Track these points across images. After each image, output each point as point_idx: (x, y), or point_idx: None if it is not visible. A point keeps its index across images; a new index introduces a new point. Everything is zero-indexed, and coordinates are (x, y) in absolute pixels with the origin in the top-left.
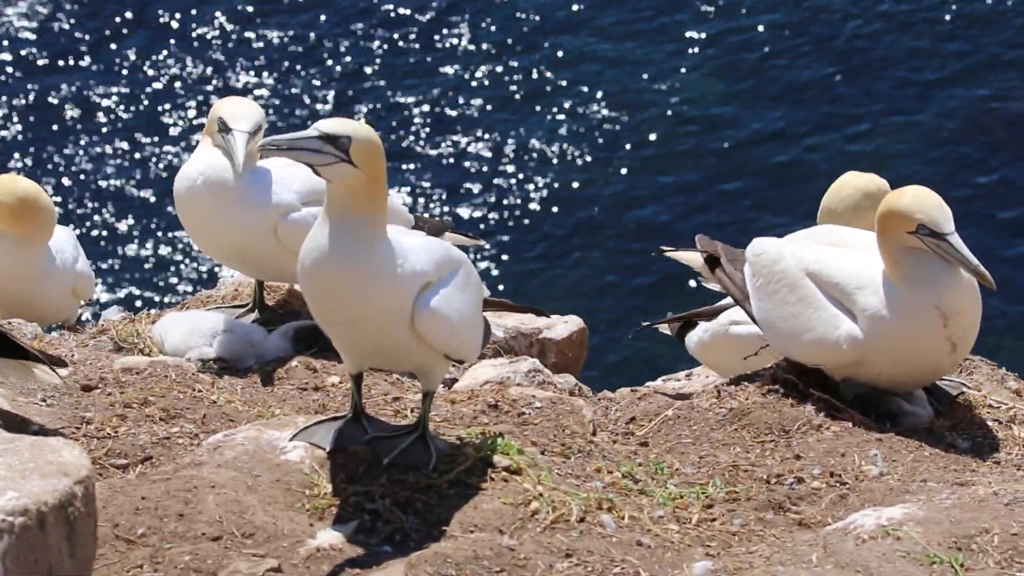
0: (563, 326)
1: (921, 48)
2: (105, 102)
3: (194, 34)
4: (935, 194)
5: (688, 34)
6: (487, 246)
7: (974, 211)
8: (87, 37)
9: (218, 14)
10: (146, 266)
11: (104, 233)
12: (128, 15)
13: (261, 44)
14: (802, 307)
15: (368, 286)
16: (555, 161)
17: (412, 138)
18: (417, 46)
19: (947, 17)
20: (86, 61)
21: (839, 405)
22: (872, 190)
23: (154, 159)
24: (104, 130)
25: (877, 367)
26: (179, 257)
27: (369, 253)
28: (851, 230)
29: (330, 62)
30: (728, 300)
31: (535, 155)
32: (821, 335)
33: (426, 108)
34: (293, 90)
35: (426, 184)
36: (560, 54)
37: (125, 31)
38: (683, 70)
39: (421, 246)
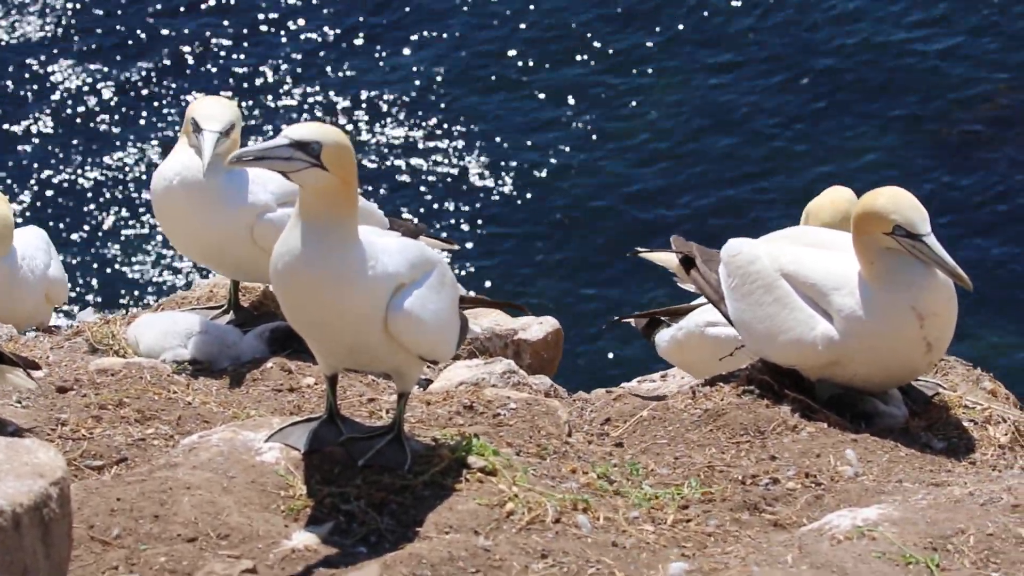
0: (538, 327)
1: (896, 52)
2: (80, 102)
3: (172, 33)
4: (911, 195)
5: (665, 37)
6: (460, 249)
7: (950, 212)
8: (61, 35)
9: (196, 13)
10: (121, 267)
11: (79, 234)
12: (103, 12)
13: (238, 43)
14: (777, 308)
15: (340, 288)
16: (530, 164)
17: (385, 142)
18: (391, 49)
19: (922, 21)
20: (60, 59)
21: (814, 406)
22: (847, 208)
23: (130, 159)
24: (79, 130)
25: (853, 368)
26: (154, 258)
27: (341, 255)
28: (827, 231)
29: (306, 64)
30: (700, 300)
31: (509, 157)
32: (797, 336)
33: (400, 111)
34: (270, 91)
35: (400, 187)
36: (535, 55)
37: (100, 29)
38: (660, 73)
39: (394, 247)
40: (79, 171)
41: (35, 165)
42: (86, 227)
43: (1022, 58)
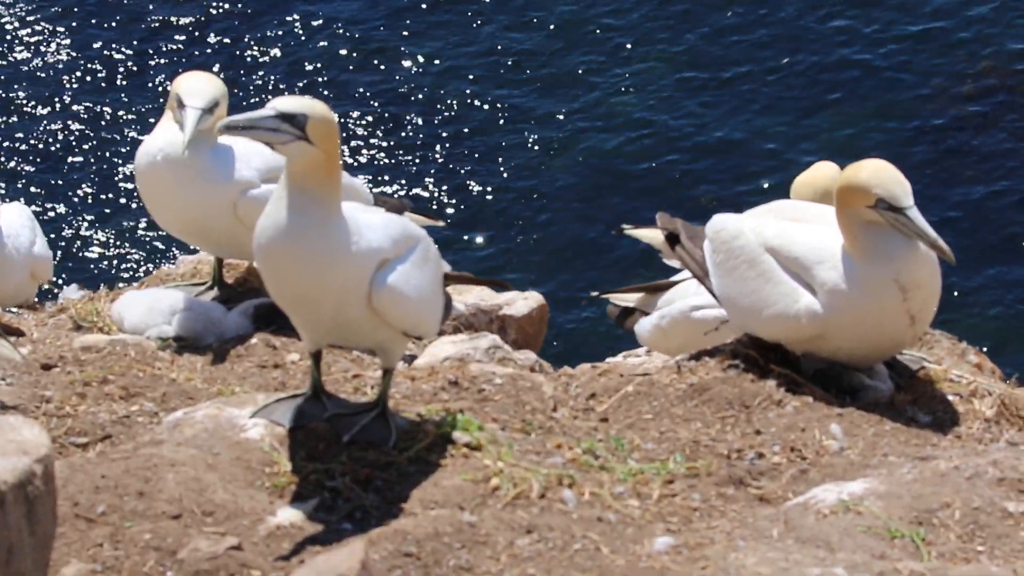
0: (523, 303)
1: (881, 29)
2: (65, 77)
3: (158, 7)
4: (894, 168)
5: (649, 18)
6: (445, 225)
7: (933, 185)
8: (44, 11)
9: None
10: (106, 244)
11: (63, 211)
12: None
13: (226, 19)
14: (762, 282)
15: (323, 264)
16: (515, 141)
17: (371, 118)
18: (378, 27)
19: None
20: (43, 35)
21: (800, 380)
22: (828, 186)
23: (114, 135)
24: (63, 107)
25: (837, 341)
26: (139, 235)
27: (324, 230)
28: (811, 204)
29: (293, 42)
30: (678, 276)
31: (494, 134)
32: (781, 310)
33: (386, 88)
34: (257, 67)
35: (385, 163)
36: (520, 34)
37: (85, 3)
38: (644, 51)
39: (378, 223)
40: (63, 147)
41: (18, 142)
42: (70, 204)
43: (1006, 36)
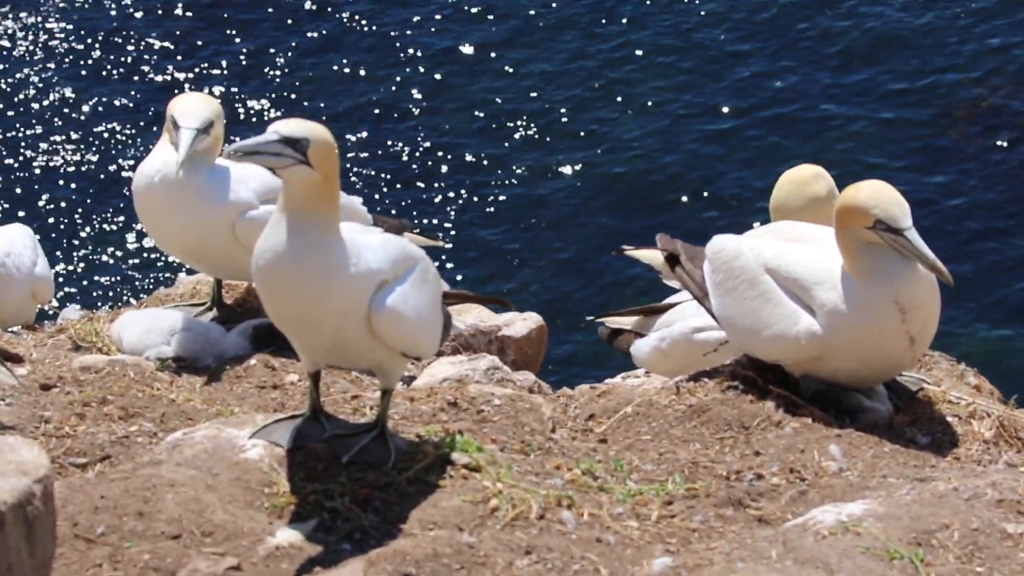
0: (522, 323)
1: (878, 46)
2: (64, 99)
3: (155, 29)
4: (893, 189)
5: (643, 31)
6: (446, 245)
7: (932, 206)
8: (43, 33)
9: (182, 11)
10: (105, 264)
11: (62, 231)
12: (87, 9)
13: (225, 41)
14: (761, 303)
15: (322, 285)
16: (516, 160)
17: (370, 138)
18: (375, 45)
19: (905, 16)
20: (43, 57)
21: (799, 401)
22: (807, 180)
23: (114, 156)
24: (62, 126)
25: (836, 362)
26: (138, 255)
27: (323, 252)
28: (810, 225)
29: (291, 62)
30: (675, 297)
31: (493, 154)
32: (780, 331)
33: (384, 108)
34: (255, 88)
35: (384, 184)
36: (519, 52)
37: (83, 24)
38: (641, 68)
39: (376, 244)
40: (63, 169)
41: (18, 163)
42: (70, 224)
43: (1005, 51)
